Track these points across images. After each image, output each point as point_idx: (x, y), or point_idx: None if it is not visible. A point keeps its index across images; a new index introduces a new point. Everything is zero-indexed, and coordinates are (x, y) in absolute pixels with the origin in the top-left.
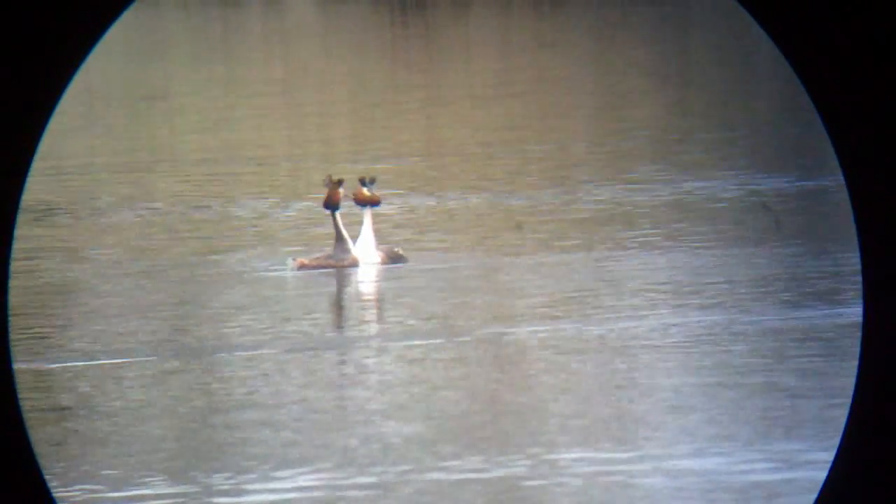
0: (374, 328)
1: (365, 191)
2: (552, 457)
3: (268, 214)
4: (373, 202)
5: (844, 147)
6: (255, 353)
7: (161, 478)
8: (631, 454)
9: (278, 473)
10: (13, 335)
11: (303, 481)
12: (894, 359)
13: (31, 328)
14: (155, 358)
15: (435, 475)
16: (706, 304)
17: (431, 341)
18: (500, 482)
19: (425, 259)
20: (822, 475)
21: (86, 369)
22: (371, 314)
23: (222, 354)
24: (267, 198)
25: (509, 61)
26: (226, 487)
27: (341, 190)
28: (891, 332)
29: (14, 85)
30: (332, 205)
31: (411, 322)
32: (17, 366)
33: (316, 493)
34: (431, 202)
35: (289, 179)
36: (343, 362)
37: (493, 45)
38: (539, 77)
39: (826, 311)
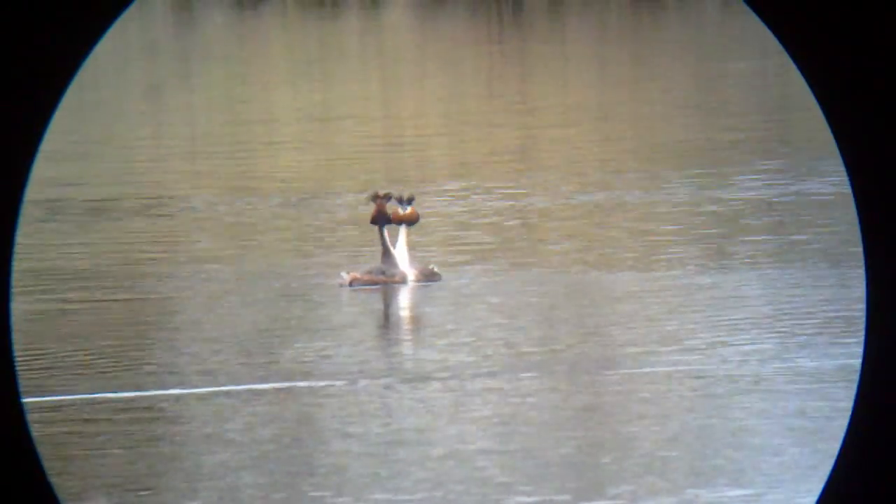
0: (465, 356)
1: (400, 210)
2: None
3: (342, 224)
4: (409, 221)
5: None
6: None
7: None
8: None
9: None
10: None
11: None
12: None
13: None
14: (251, 385)
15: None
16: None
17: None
18: None
19: (524, 275)
20: None
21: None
22: (464, 339)
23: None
24: (346, 208)
25: (605, 64)
26: None
27: (388, 205)
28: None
29: (14, 85)
30: (378, 220)
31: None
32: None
33: None
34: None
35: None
36: (454, 390)
37: (590, 45)
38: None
39: None
